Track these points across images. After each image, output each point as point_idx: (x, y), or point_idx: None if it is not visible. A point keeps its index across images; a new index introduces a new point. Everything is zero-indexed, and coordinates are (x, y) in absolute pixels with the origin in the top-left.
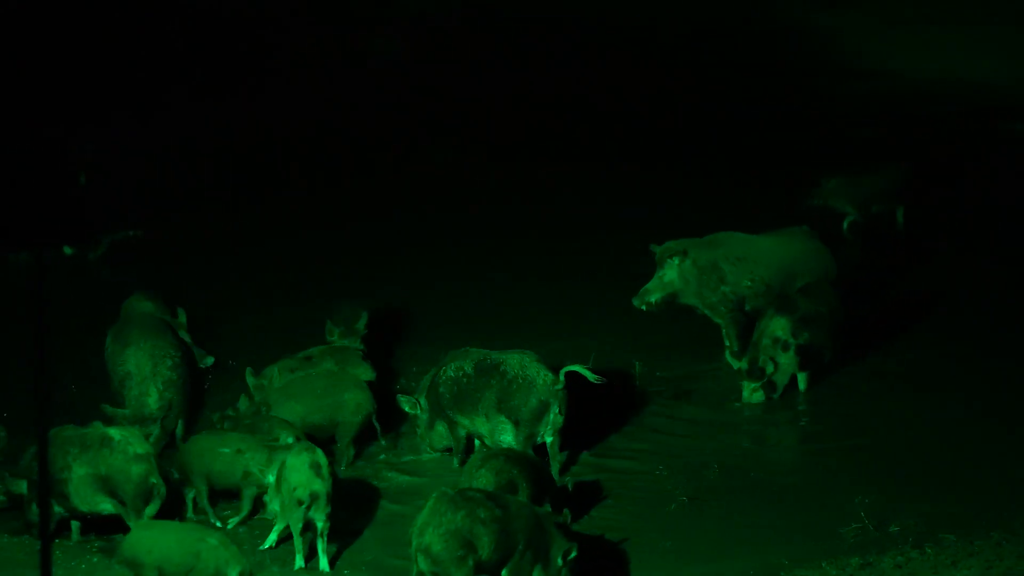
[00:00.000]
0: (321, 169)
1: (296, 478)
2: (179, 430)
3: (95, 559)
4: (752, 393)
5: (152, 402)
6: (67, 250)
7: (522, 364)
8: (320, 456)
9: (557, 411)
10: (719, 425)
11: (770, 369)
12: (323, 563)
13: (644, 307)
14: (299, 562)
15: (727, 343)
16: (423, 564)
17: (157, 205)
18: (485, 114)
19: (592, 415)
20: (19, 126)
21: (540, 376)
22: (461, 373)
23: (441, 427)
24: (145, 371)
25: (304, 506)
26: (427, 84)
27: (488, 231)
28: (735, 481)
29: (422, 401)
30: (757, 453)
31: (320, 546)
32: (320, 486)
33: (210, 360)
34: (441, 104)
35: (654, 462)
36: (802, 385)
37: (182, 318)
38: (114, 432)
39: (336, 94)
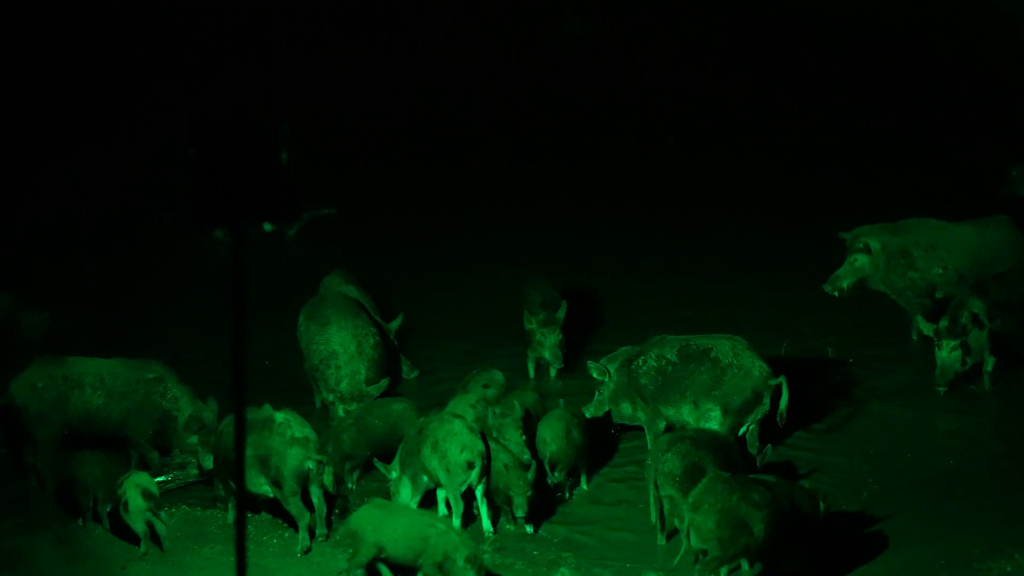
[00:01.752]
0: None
1: (458, 442)
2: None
3: (286, 534)
4: (950, 352)
5: (362, 380)
6: (267, 227)
7: (735, 351)
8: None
9: (767, 403)
10: (909, 414)
11: (970, 328)
12: (486, 524)
13: (836, 293)
14: (456, 523)
15: (914, 330)
16: (694, 541)
17: (346, 180)
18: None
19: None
20: (225, 106)
21: (756, 367)
22: (664, 361)
23: (626, 407)
24: (351, 350)
25: (471, 469)
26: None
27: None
28: (924, 471)
29: (611, 369)
30: (947, 443)
31: (483, 509)
32: (483, 448)
33: (414, 373)
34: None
35: (843, 450)
36: (988, 367)
37: (395, 324)
38: (278, 415)
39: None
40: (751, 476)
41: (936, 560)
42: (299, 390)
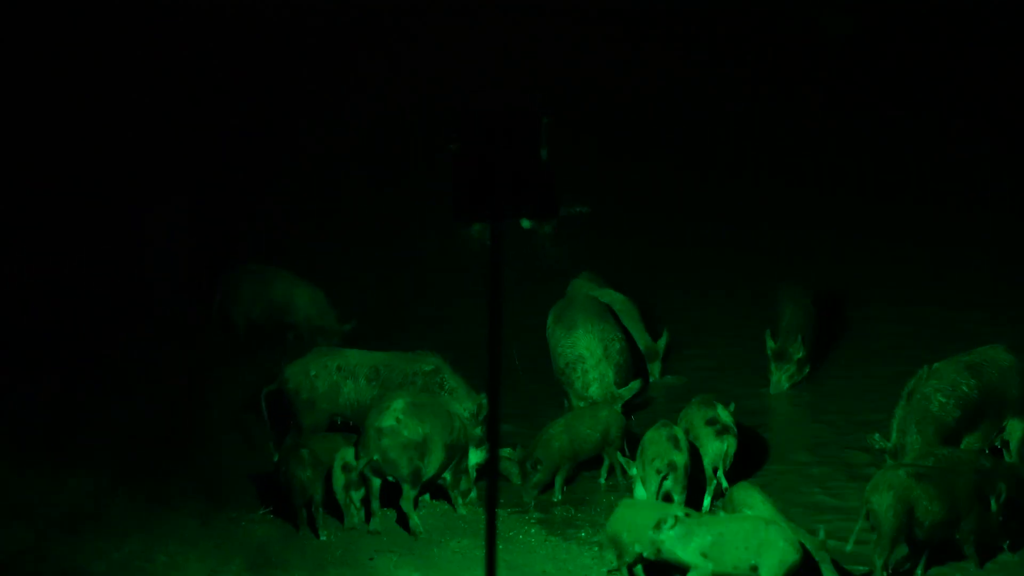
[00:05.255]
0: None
1: (654, 450)
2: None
3: (532, 530)
4: None
5: (611, 383)
6: (525, 223)
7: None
8: (678, 430)
9: None
10: None
11: None
12: None
13: None
14: None
15: None
16: (872, 519)
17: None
18: None
19: None
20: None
21: None
22: (961, 390)
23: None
24: (598, 354)
25: (661, 475)
26: None
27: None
28: None
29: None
30: None
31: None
32: (678, 457)
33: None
34: None
35: None
36: None
37: (661, 344)
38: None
39: None
40: None
41: None
42: (551, 389)
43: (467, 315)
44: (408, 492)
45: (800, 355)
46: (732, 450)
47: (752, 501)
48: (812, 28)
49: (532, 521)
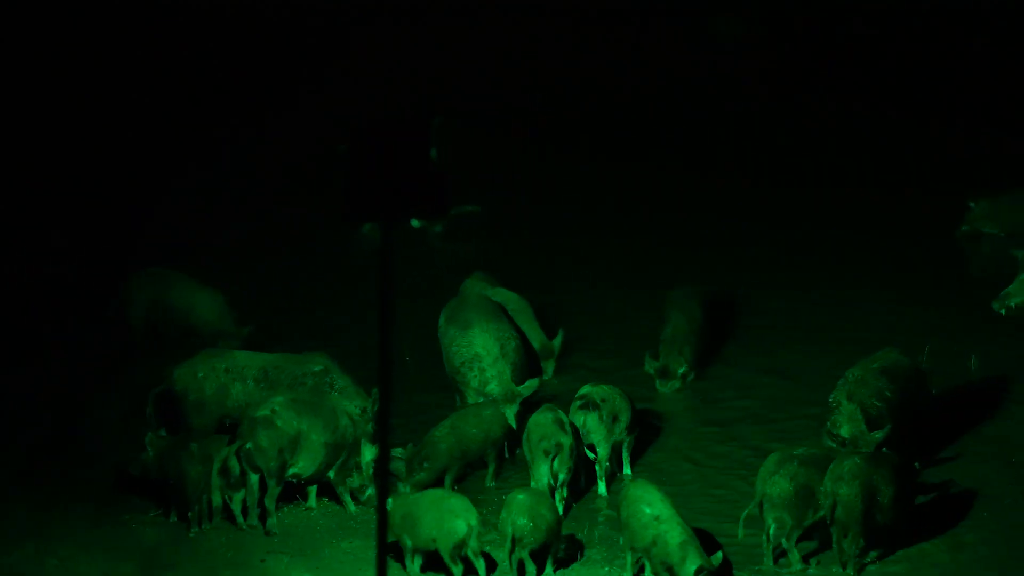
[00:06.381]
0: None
1: (540, 432)
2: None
3: None
4: None
5: (509, 380)
6: (414, 223)
7: None
8: (562, 413)
9: None
10: None
11: None
12: (559, 510)
13: (1003, 311)
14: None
15: None
16: (839, 512)
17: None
18: None
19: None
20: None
21: None
22: (884, 396)
23: None
24: (495, 352)
25: (550, 456)
26: None
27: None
28: None
29: None
30: None
31: (558, 495)
32: (564, 439)
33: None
34: None
35: (983, 457)
36: None
37: (557, 343)
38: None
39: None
40: None
41: None
42: (443, 388)
43: (361, 315)
44: (273, 489)
45: (683, 369)
46: (592, 425)
47: (650, 498)
48: (703, 32)
49: None
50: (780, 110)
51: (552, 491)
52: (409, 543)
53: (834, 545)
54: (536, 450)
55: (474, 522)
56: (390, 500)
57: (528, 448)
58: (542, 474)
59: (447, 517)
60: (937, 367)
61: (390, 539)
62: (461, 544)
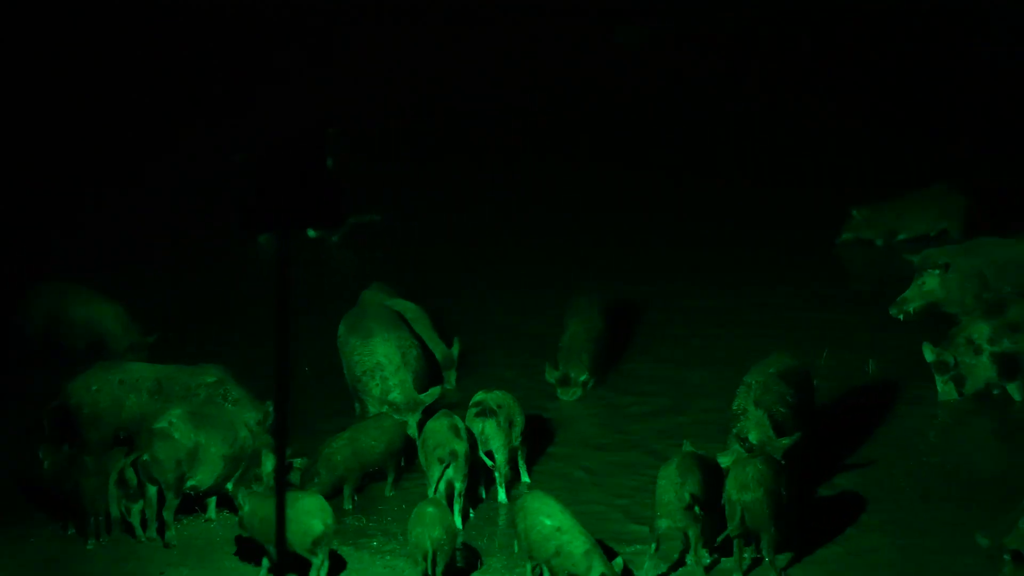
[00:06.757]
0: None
1: (435, 439)
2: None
3: None
4: (943, 385)
5: (411, 389)
6: (311, 232)
7: None
8: (458, 420)
9: None
10: (954, 425)
11: (951, 363)
12: (457, 520)
13: (901, 316)
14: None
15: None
16: (747, 519)
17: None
18: None
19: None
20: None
21: None
22: (786, 400)
23: None
24: (396, 361)
25: (444, 464)
26: None
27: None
28: (960, 480)
29: None
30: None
31: (457, 505)
32: (459, 446)
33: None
34: None
35: (883, 461)
36: (1016, 395)
37: (455, 351)
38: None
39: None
40: None
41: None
42: (342, 397)
43: (258, 326)
44: (171, 500)
45: (584, 376)
46: (490, 431)
47: (549, 509)
48: (608, 39)
49: None
50: (698, 110)
51: (449, 498)
52: (267, 543)
53: (735, 553)
54: (431, 458)
55: (330, 521)
56: (246, 502)
57: (423, 455)
58: (434, 481)
59: (303, 517)
60: (835, 370)
61: (245, 536)
62: (318, 542)
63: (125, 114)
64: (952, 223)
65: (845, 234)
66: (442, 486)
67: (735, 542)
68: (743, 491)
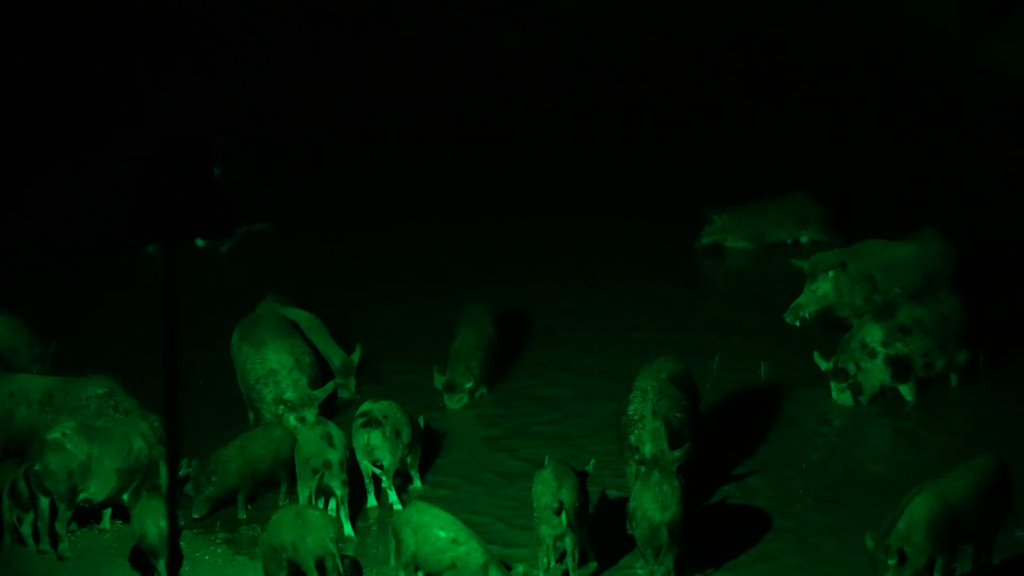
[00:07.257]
0: (442, 157)
1: (309, 449)
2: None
3: (219, 550)
4: (839, 394)
5: (306, 386)
6: (199, 242)
7: None
8: (332, 427)
9: None
10: (847, 427)
11: (852, 370)
12: (347, 528)
13: (797, 322)
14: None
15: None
16: (662, 537)
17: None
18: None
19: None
20: (161, 121)
21: None
22: (682, 404)
23: None
24: (290, 364)
25: (318, 475)
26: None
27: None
28: (855, 482)
29: None
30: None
31: (342, 513)
32: (332, 455)
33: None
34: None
35: (778, 465)
36: (908, 396)
37: (355, 358)
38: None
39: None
40: None
41: None
42: (233, 406)
43: (149, 336)
44: (63, 513)
45: (471, 383)
46: (376, 441)
47: (441, 521)
48: (497, 45)
49: (218, 540)
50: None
51: (310, 505)
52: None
53: (649, 563)
54: (305, 468)
55: (163, 524)
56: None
57: (298, 463)
58: (309, 491)
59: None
60: (727, 374)
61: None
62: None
63: (14, 122)
64: (811, 229)
65: (704, 238)
66: (311, 494)
67: (647, 552)
68: (665, 511)
